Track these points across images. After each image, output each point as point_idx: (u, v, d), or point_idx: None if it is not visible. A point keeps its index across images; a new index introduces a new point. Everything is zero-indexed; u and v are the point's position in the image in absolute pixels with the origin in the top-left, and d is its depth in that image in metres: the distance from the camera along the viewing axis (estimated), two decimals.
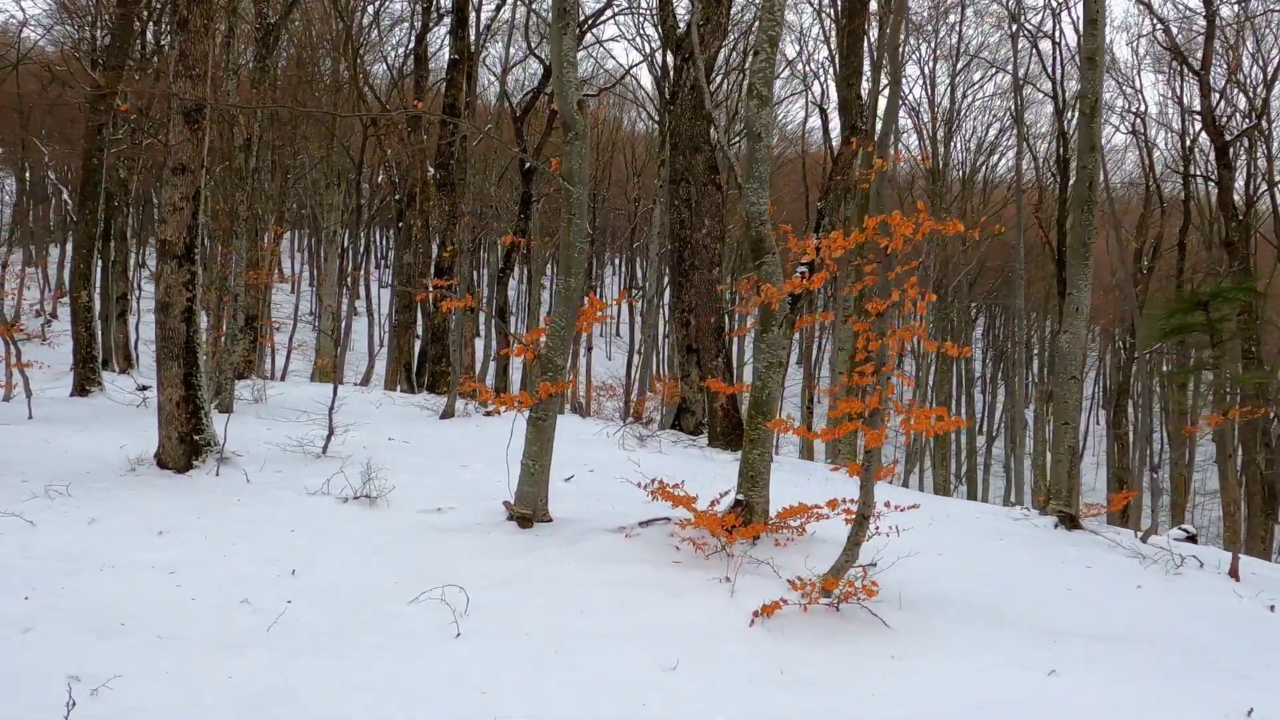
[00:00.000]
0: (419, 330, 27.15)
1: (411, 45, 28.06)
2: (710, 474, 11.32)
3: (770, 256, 7.48)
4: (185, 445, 9.33)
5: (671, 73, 15.77)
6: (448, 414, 14.20)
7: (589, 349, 41.87)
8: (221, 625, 5.19)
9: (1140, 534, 10.16)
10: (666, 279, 31.97)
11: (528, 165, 25.75)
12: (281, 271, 34.25)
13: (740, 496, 7.39)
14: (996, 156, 32.73)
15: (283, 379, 28.41)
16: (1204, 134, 22.11)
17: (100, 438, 10.89)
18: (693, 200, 15.09)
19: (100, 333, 26.91)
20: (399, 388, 23.62)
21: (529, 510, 7.32)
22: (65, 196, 35.51)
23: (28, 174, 47.44)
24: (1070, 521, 10.17)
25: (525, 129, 25.83)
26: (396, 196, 27.22)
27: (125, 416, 12.65)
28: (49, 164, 40.02)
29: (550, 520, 7.48)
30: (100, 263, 26.62)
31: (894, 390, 5.88)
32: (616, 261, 56.56)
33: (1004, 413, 43.88)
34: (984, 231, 24.13)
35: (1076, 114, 27.06)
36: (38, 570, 5.83)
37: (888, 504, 6.23)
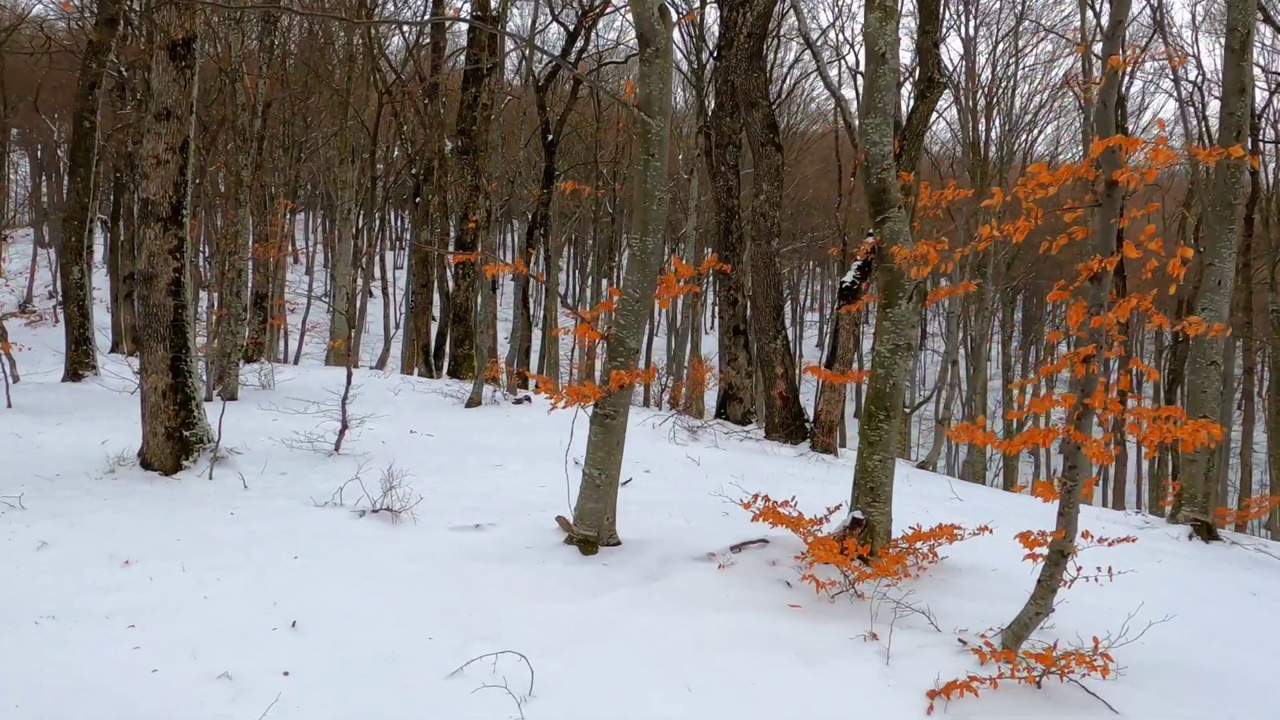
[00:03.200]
0: (435, 312, 25.53)
1: (429, 12, 26.25)
2: (778, 473, 9.70)
3: (896, 211, 5.81)
4: (173, 442, 7.75)
5: (719, 26, 13.97)
6: (473, 402, 12.60)
7: None
8: None
9: None
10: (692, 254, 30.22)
11: (550, 138, 24.06)
12: (296, 250, 32.60)
13: (858, 514, 5.75)
14: (1036, 131, 30.76)
15: (296, 363, 26.87)
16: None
17: (82, 430, 9.33)
18: (740, 166, 13.38)
19: (112, 315, 25.38)
20: (416, 371, 22.05)
21: (592, 531, 5.69)
22: None
23: (40, 152, 45.89)
24: (1207, 531, 8.52)
25: (548, 99, 24.06)
26: (414, 171, 25.53)
27: (116, 405, 11.06)
28: (59, 142, 38.39)
29: (619, 544, 5.85)
30: (108, 240, 25.04)
31: (1108, 384, 4.22)
32: None
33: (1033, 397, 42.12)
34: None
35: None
36: None
37: (1086, 534, 4.55)
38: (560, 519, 6.26)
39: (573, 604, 4.88)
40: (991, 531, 5.84)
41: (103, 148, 22.84)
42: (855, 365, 14.33)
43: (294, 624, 4.48)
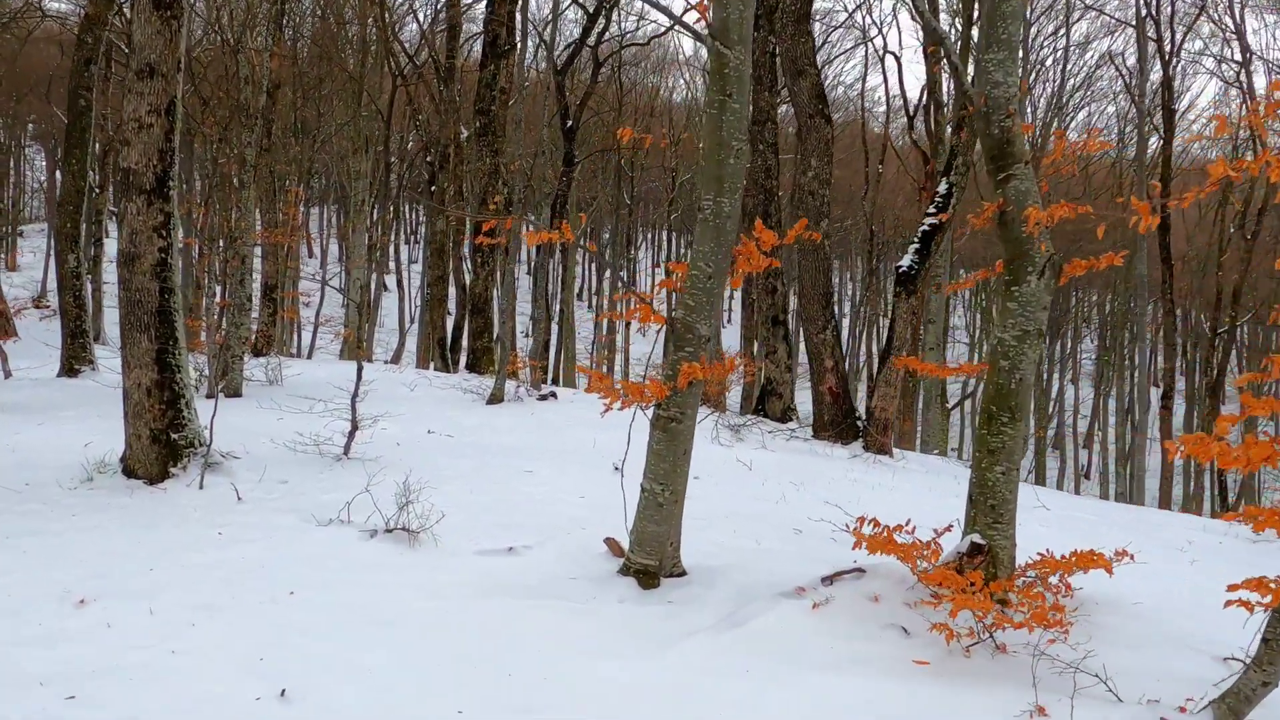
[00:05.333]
0: (450, 306, 24.51)
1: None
2: (840, 478, 8.58)
3: (1023, 167, 4.69)
4: (159, 446, 6.70)
5: None
6: (495, 398, 11.52)
7: (627, 324, 39.13)
8: None
9: None
10: None
11: (570, 124, 22.98)
12: (310, 238, 31.41)
13: (977, 538, 4.63)
14: (1067, 118, 29.39)
15: (309, 357, 25.90)
16: None
17: (65, 431, 8.31)
18: (779, 143, 12.25)
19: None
20: (432, 365, 21.03)
21: (653, 560, 4.60)
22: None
23: (55, 145, 45.07)
24: None
25: (568, 84, 22.96)
26: (429, 159, 24.49)
27: (109, 403, 9.98)
28: None
29: (683, 574, 4.76)
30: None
31: None
32: (650, 235, 53.54)
33: (1058, 392, 40.81)
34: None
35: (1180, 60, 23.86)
36: None
37: None
38: (609, 541, 5.18)
39: (638, 660, 3.79)
40: (1132, 557, 4.73)
41: (115, 135, 21.88)
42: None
43: (283, 692, 3.41)
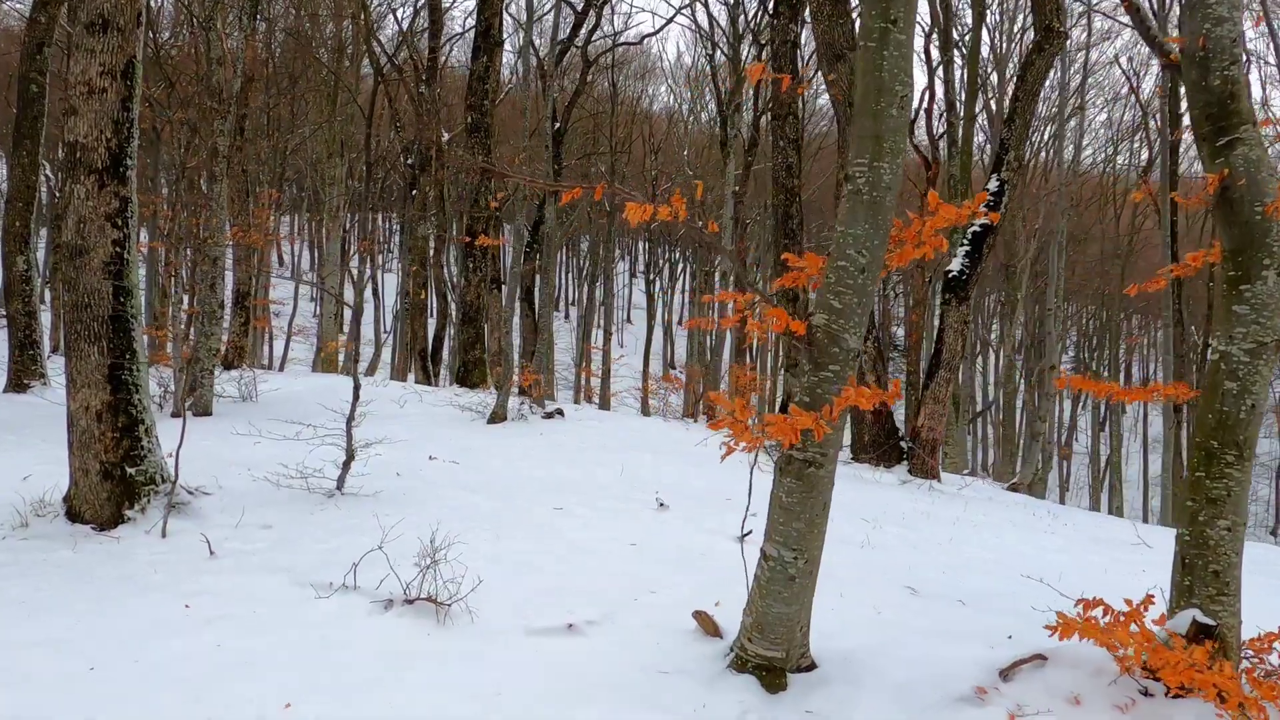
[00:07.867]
0: (430, 315, 23.19)
1: None
2: (910, 511, 7.42)
3: (1251, 129, 3.55)
4: (111, 484, 5.38)
5: None
6: (497, 417, 10.22)
7: (607, 334, 37.95)
8: None
9: None
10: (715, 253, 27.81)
11: (558, 126, 21.77)
12: (279, 237, 29.54)
13: (1202, 617, 3.46)
14: (1054, 127, 28.60)
15: (281, 369, 24.34)
16: None
17: (1, 461, 6.91)
18: (801, 140, 11.12)
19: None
20: (412, 377, 19.65)
21: (780, 651, 3.38)
22: (46, 172, 30.77)
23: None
24: None
25: (555, 86, 21.74)
26: (409, 162, 23.12)
27: (59, 425, 8.60)
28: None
29: (812, 666, 3.53)
30: None
31: None
32: (626, 245, 52.31)
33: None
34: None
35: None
36: None
37: None
38: (699, 615, 3.94)
39: None
40: None
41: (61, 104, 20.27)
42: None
43: None
